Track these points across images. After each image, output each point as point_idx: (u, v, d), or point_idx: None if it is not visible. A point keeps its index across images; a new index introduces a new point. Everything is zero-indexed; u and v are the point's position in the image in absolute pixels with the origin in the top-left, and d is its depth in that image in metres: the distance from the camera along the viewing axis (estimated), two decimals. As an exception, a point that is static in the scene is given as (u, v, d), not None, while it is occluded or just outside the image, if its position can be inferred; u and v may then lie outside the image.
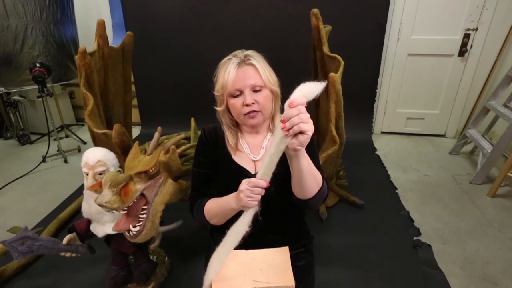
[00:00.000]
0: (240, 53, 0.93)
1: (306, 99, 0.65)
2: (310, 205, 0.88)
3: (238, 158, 1.00)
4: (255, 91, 0.91)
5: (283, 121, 0.66)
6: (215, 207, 0.96)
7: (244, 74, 0.89)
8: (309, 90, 0.66)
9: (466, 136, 2.63)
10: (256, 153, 1.00)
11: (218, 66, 0.95)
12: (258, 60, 0.92)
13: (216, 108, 0.99)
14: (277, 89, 0.95)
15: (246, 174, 0.98)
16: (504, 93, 2.41)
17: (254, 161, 1.00)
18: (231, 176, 0.99)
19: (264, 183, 0.78)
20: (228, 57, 0.94)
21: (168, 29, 2.93)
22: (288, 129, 0.65)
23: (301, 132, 0.65)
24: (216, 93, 0.96)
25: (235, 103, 0.92)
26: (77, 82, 3.14)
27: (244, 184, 0.80)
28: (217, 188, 1.02)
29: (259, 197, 0.79)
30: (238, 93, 0.91)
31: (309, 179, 0.79)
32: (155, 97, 3.26)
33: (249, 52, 0.94)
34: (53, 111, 2.99)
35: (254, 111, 0.91)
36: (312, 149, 0.99)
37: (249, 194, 0.79)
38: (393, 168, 2.53)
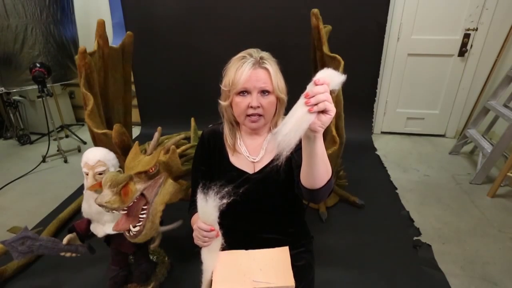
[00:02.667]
0: (256, 53, 0.92)
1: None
2: (316, 197, 0.82)
3: (235, 160, 1.00)
4: (262, 94, 0.91)
5: (306, 96, 0.60)
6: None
7: (256, 76, 0.89)
8: (330, 75, 0.61)
9: (466, 136, 2.63)
10: (255, 154, 1.00)
11: (230, 60, 0.94)
12: (272, 65, 0.91)
13: (220, 101, 0.98)
14: (284, 96, 0.94)
15: (245, 176, 0.98)
16: (504, 93, 2.41)
17: (254, 162, 0.99)
18: (229, 178, 0.99)
19: (207, 227, 0.80)
20: (242, 54, 0.93)
21: (168, 29, 2.93)
22: (313, 105, 0.59)
23: (324, 112, 0.60)
24: (223, 87, 0.95)
25: (240, 102, 0.91)
26: (77, 82, 3.14)
27: (196, 224, 0.83)
28: None
29: (208, 240, 0.82)
30: (245, 92, 0.91)
31: (321, 165, 0.74)
32: (155, 97, 3.25)
33: (264, 54, 0.93)
34: (53, 111, 2.99)
35: (257, 114, 0.91)
36: None
37: (197, 235, 0.82)
38: (393, 168, 2.53)
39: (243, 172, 0.98)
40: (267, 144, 1.00)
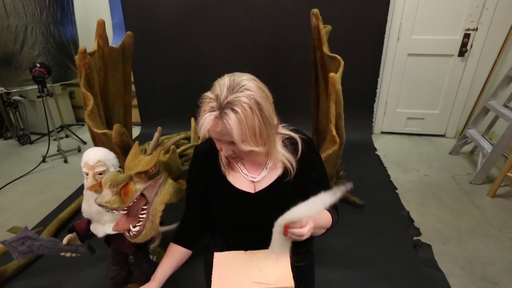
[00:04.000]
0: (224, 94, 0.74)
1: (307, 215, 0.76)
2: (323, 235, 0.96)
3: (233, 178, 0.94)
4: (230, 143, 0.79)
5: (286, 228, 0.77)
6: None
7: (218, 129, 0.76)
8: (310, 212, 0.75)
9: (466, 136, 2.63)
10: (255, 173, 0.93)
11: (203, 96, 0.80)
12: (237, 113, 0.73)
13: None
14: (257, 148, 0.78)
15: (244, 196, 0.92)
16: (504, 93, 2.41)
17: (254, 181, 0.93)
18: (227, 199, 0.94)
19: None
20: (210, 95, 0.77)
21: (168, 29, 2.93)
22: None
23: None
24: None
25: (216, 143, 0.85)
26: (77, 82, 3.14)
27: None
28: (213, 210, 0.98)
29: None
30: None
31: (319, 231, 0.90)
32: (155, 97, 3.25)
33: (234, 96, 0.73)
34: (53, 111, 2.99)
35: (235, 157, 0.85)
36: (321, 171, 0.97)
37: None
38: (393, 168, 2.53)
39: (241, 192, 0.92)
40: (272, 164, 0.93)
